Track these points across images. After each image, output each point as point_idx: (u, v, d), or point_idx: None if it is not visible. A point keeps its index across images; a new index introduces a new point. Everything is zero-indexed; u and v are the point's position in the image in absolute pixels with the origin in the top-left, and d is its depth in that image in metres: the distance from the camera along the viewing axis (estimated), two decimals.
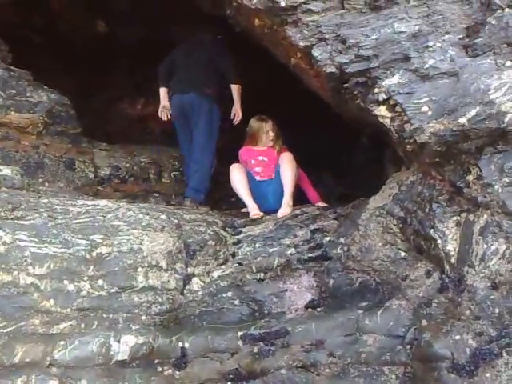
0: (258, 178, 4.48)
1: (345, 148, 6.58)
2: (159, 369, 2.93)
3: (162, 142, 6.53)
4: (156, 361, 2.91)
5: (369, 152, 6.71)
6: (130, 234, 2.82)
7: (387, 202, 3.12)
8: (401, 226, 3.07)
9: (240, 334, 3.07)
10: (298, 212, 3.96)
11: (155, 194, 4.61)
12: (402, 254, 3.04)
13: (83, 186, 4.01)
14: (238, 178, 4.37)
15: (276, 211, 4.10)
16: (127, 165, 4.44)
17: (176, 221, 3.30)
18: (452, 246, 2.82)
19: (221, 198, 5.44)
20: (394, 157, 4.03)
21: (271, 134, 4.55)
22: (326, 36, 2.75)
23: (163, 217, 3.18)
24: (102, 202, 3.02)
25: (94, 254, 2.63)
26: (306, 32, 2.78)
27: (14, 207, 2.56)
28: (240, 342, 3.06)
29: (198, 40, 5.16)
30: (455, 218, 2.85)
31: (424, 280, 2.91)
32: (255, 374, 3.00)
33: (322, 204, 4.34)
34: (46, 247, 2.45)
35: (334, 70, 2.79)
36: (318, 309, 3.28)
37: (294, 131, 5.43)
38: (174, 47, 7.01)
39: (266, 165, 4.49)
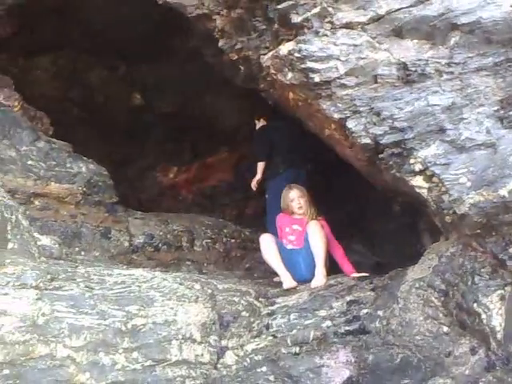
0: (289, 246, 4.43)
1: (376, 215, 6.53)
2: None
3: (193, 210, 6.65)
4: None
5: (401, 219, 6.65)
6: (164, 304, 2.79)
7: (427, 274, 3.03)
8: (442, 299, 2.97)
9: None
10: (332, 282, 3.89)
11: (187, 262, 4.60)
12: (445, 328, 2.92)
13: (118, 255, 4.04)
14: (269, 247, 4.31)
15: (308, 281, 4.04)
16: (161, 233, 4.47)
17: (210, 291, 3.26)
18: (497, 322, 2.71)
19: (251, 266, 5.41)
20: (430, 226, 3.98)
21: (299, 202, 4.52)
22: (360, 109, 2.81)
23: (197, 286, 3.15)
24: (138, 272, 3.02)
25: (129, 325, 2.60)
26: (340, 105, 2.84)
27: (52, 277, 2.57)
28: None
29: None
30: (499, 292, 2.75)
31: (469, 357, 2.78)
32: None
33: (357, 275, 4.26)
34: (82, 318, 2.43)
35: (368, 141, 2.82)
36: None
37: (326, 198, 5.45)
38: (206, 117, 7.29)
39: (300, 234, 4.46)
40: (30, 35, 5.21)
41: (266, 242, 4.35)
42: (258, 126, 5.63)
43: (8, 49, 5.16)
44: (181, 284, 3.06)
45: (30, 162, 3.99)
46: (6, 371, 2.24)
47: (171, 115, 7.18)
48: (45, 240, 3.04)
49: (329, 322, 3.45)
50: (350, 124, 2.83)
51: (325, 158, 5.71)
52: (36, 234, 2.93)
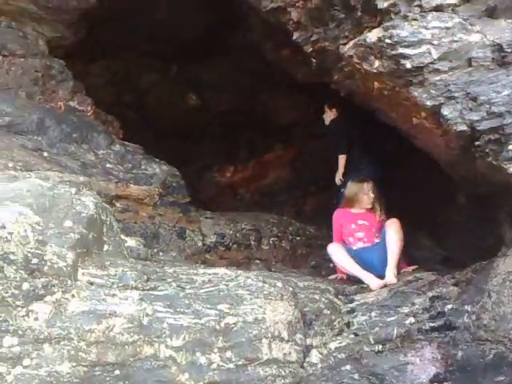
0: (360, 244, 4.35)
1: (441, 208, 6.35)
2: None
3: (252, 209, 6.65)
4: None
5: (468, 211, 6.45)
6: (253, 303, 2.78)
7: None
8: None
9: None
10: (410, 278, 3.80)
11: (256, 261, 4.60)
12: None
13: (193, 255, 4.07)
14: (342, 255, 4.21)
15: (383, 277, 3.96)
16: (231, 232, 4.48)
17: (291, 288, 3.24)
18: None
19: (317, 263, 5.36)
20: (509, 217, 3.83)
21: (372, 195, 4.43)
22: (455, 94, 2.72)
23: (279, 284, 3.13)
24: (221, 271, 3.02)
25: (222, 324, 2.60)
26: (433, 91, 2.75)
27: (148, 278, 2.60)
28: None
29: None
30: None
31: None
32: None
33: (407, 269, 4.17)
34: (180, 318, 2.44)
35: (464, 127, 2.73)
36: (446, 383, 3.06)
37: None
38: (262, 114, 7.28)
39: (367, 229, 4.37)
40: (93, 42, 5.32)
41: (335, 250, 4.26)
42: (327, 117, 5.55)
43: (72, 55, 5.28)
44: (264, 282, 3.04)
45: (108, 165, 4.06)
46: (117, 372, 2.27)
47: (227, 113, 7.21)
48: (130, 241, 3.09)
49: (412, 319, 3.37)
50: (445, 111, 2.74)
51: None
52: (122, 236, 2.97)
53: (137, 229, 3.85)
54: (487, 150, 2.75)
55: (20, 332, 2.17)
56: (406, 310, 3.45)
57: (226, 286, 2.82)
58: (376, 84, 3.09)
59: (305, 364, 3.11)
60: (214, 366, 2.54)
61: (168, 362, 2.35)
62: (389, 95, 3.05)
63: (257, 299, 2.80)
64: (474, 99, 2.72)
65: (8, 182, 2.72)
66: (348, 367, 3.22)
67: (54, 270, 2.37)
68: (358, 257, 4.20)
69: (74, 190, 2.69)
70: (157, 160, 4.40)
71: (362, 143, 5.32)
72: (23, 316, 2.19)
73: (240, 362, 2.65)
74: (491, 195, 3.94)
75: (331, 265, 5.31)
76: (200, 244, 4.21)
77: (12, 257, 2.34)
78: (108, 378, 2.25)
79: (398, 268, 4.10)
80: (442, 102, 2.77)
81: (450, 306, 3.32)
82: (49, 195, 2.62)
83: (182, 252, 4.01)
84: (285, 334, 2.93)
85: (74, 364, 2.22)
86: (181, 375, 2.37)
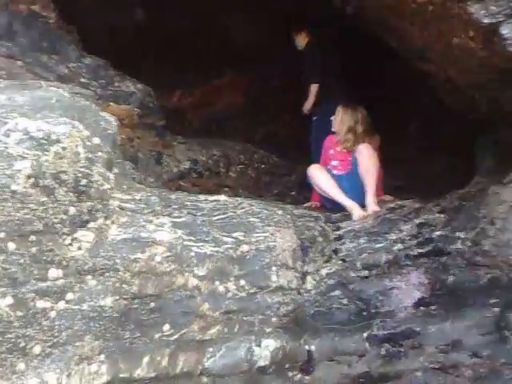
0: (334, 171, 4.27)
1: (390, 139, 6.45)
2: (289, 374, 2.79)
3: (201, 136, 6.36)
4: (286, 365, 2.76)
5: (418, 142, 6.61)
6: (265, 230, 2.64)
7: None
8: None
9: (365, 335, 2.94)
10: (393, 206, 3.82)
11: (225, 189, 4.42)
12: None
13: (169, 181, 3.80)
14: (323, 178, 4.08)
15: None
16: (204, 158, 4.23)
17: (288, 216, 3.13)
18: None
19: (280, 192, 5.28)
20: (494, 146, 3.89)
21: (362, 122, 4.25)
22: None
23: (279, 212, 3.00)
24: (222, 198, 2.83)
25: (238, 252, 2.44)
26: (493, 8, 2.56)
27: (165, 204, 2.34)
28: (367, 344, 2.93)
29: None
30: None
31: None
32: (388, 376, 2.88)
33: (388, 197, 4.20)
34: (203, 246, 2.25)
35: None
36: (432, 307, 3.14)
37: None
38: (215, 38, 6.82)
39: (344, 157, 4.27)
40: None
41: (318, 172, 4.11)
42: (300, 43, 5.29)
43: None
44: (267, 210, 2.90)
45: (83, 80, 3.58)
46: (152, 304, 2.05)
47: (175, 33, 6.69)
48: (127, 166, 2.77)
49: (400, 245, 3.40)
50: (505, 29, 2.57)
51: None
52: None
53: None
54: None
55: (64, 263, 1.87)
56: (393, 236, 3.46)
57: (234, 213, 2.64)
58: None
59: (301, 290, 3.07)
60: (230, 294, 2.40)
61: (194, 292, 2.18)
62: (433, 10, 2.83)
63: (268, 227, 2.66)
64: None
65: (23, 89, 2.29)
66: (337, 292, 3.22)
67: (99, 192, 2.08)
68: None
69: (93, 105, 2.32)
70: (128, 77, 3.97)
71: (337, 70, 5.13)
72: (67, 245, 1.89)
73: (252, 290, 2.54)
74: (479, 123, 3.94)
75: (293, 193, 5.28)
76: (175, 170, 3.94)
77: (64, 177, 2.02)
78: (143, 312, 2.04)
79: (376, 195, 4.06)
80: (501, 19, 2.56)
81: (438, 233, 3.36)
82: (78, 107, 2.26)
83: (159, 178, 3.73)
84: (290, 262, 2.83)
85: (117, 297, 1.99)
86: (203, 305, 2.21)
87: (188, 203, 2.56)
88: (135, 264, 2.01)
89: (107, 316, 1.96)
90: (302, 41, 5.38)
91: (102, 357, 1.97)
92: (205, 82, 6.98)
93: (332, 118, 4.27)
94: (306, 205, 4.25)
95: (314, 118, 5.19)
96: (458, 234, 3.24)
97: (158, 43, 6.75)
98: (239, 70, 6.94)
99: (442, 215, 3.50)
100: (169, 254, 2.11)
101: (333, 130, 4.27)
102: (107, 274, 1.95)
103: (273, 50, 6.17)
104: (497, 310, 2.85)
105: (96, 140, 2.14)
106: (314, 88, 5.10)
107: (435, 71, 3.46)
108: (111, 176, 2.12)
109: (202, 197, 2.77)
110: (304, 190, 4.85)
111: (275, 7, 5.71)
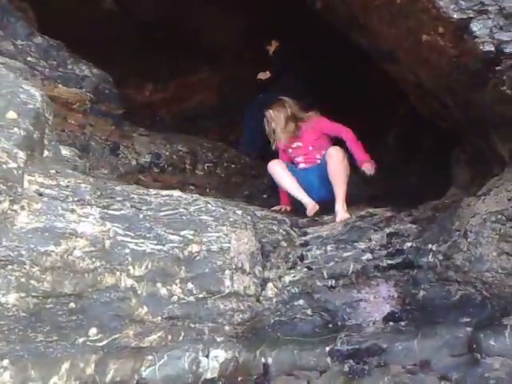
0: (301, 165, 4.10)
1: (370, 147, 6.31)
2: None
3: (173, 130, 6.09)
4: (239, 379, 2.50)
5: (396, 153, 6.46)
6: (218, 230, 2.38)
7: (507, 207, 2.75)
8: None
9: (327, 349, 2.70)
10: (364, 213, 3.60)
11: (191, 187, 4.15)
12: None
13: (126, 174, 3.51)
14: (282, 174, 3.94)
15: (326, 199, 3.81)
16: (167, 153, 3.95)
17: (249, 217, 2.87)
18: None
19: (250, 193, 5.04)
20: (469, 157, 3.73)
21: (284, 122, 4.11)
22: (489, 8, 2.36)
23: (239, 212, 2.75)
24: (175, 193, 2.56)
25: (186, 252, 2.18)
26: (462, 3, 2.38)
27: (100, 194, 2.07)
28: (329, 359, 2.69)
29: None
30: None
31: None
32: None
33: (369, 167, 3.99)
34: (142, 243, 1.98)
35: (491, 48, 2.39)
36: (402, 323, 2.92)
37: None
38: (186, 33, 6.58)
39: (304, 150, 4.09)
40: None
41: (278, 169, 3.96)
42: (270, 49, 5.29)
43: None
44: (223, 209, 2.65)
45: (30, 59, 3.27)
46: (72, 305, 1.78)
47: (149, 25, 6.43)
48: (64, 151, 2.48)
49: (369, 255, 3.19)
50: (475, 26, 2.38)
51: None
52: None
53: (64, 137, 3.17)
54: (505, 78, 2.46)
55: None
56: (362, 245, 3.25)
57: (186, 209, 2.38)
58: None
59: (261, 298, 2.83)
60: (175, 298, 2.14)
61: (128, 293, 1.91)
62: (401, 4, 2.64)
63: (222, 227, 2.41)
64: (507, 17, 2.38)
65: None
66: (301, 302, 3.01)
67: (2, 171, 1.79)
68: (300, 178, 3.97)
69: (13, 75, 2.03)
70: (84, 61, 3.67)
71: (305, 77, 5.08)
72: None
73: (201, 295, 2.28)
74: (455, 134, 3.78)
75: (264, 195, 5.07)
76: (134, 163, 3.65)
77: None
78: (60, 312, 1.76)
79: (361, 160, 3.96)
80: (472, 16, 2.41)
81: (409, 244, 3.16)
82: None
83: (115, 170, 3.44)
84: (247, 266, 2.59)
85: (23, 294, 1.70)
86: (140, 308, 1.94)
87: (135, 196, 2.29)
88: (46, 257, 1.73)
89: (11, 315, 1.68)
90: (270, 48, 5.54)
91: (6, 362, 1.68)
92: (178, 77, 6.71)
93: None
94: (274, 208, 4.02)
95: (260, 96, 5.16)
96: (429, 246, 3.03)
97: (130, 33, 6.50)
98: (214, 68, 6.71)
99: (414, 226, 3.30)
100: (92, 248, 1.84)
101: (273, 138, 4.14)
102: (10, 266, 1.67)
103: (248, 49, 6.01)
104: (469, 329, 2.61)
105: (11, 114, 1.86)
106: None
107: (405, 73, 3.28)
108: (21, 155, 1.82)
109: (153, 191, 2.50)
110: (276, 193, 4.65)
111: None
